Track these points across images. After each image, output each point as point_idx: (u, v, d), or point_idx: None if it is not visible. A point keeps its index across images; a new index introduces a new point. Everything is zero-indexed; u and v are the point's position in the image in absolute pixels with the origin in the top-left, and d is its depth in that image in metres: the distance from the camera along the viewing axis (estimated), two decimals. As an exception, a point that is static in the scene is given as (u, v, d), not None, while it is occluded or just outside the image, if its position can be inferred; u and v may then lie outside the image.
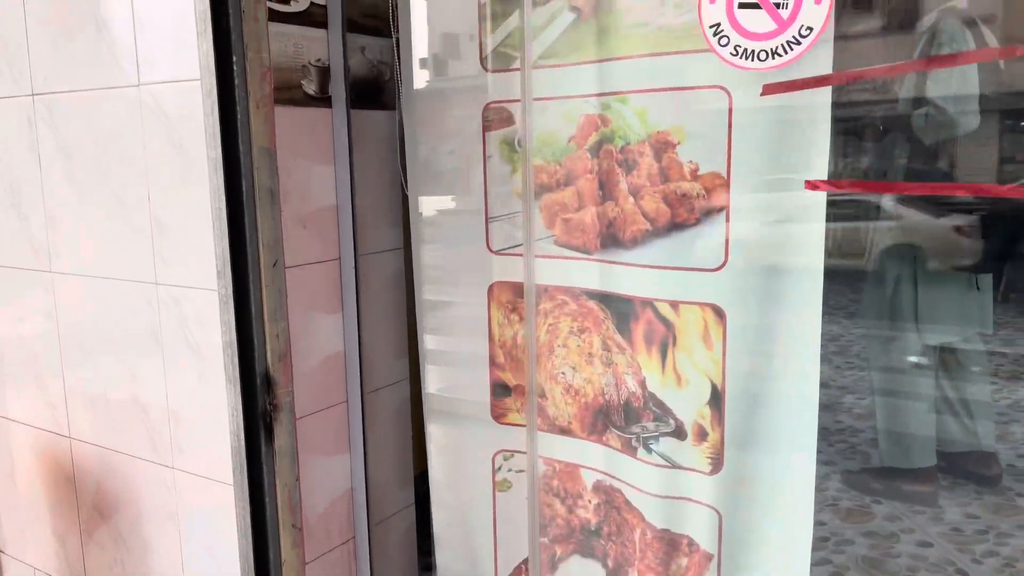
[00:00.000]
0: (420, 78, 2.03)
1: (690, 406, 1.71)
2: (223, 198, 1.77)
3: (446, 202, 2.06)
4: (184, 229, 1.94)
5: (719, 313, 1.64)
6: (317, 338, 2.04)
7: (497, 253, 1.99)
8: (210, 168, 1.78)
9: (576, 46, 1.78)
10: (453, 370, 2.14)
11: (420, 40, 2.02)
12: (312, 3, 1.92)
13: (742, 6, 1.42)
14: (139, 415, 2.19)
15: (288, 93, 1.89)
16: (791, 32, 1.38)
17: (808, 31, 1.37)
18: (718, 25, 1.46)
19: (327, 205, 2.02)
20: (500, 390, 2.07)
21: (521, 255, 1.95)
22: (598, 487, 1.94)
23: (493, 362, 2.06)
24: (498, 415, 2.08)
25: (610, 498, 1.92)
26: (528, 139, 1.84)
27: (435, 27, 1.99)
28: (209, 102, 1.75)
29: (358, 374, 2.09)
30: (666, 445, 1.76)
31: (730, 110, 1.57)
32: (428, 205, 2.08)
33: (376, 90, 2.12)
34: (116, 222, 2.10)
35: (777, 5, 1.39)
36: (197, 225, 1.90)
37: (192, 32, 1.78)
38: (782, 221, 1.56)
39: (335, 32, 1.95)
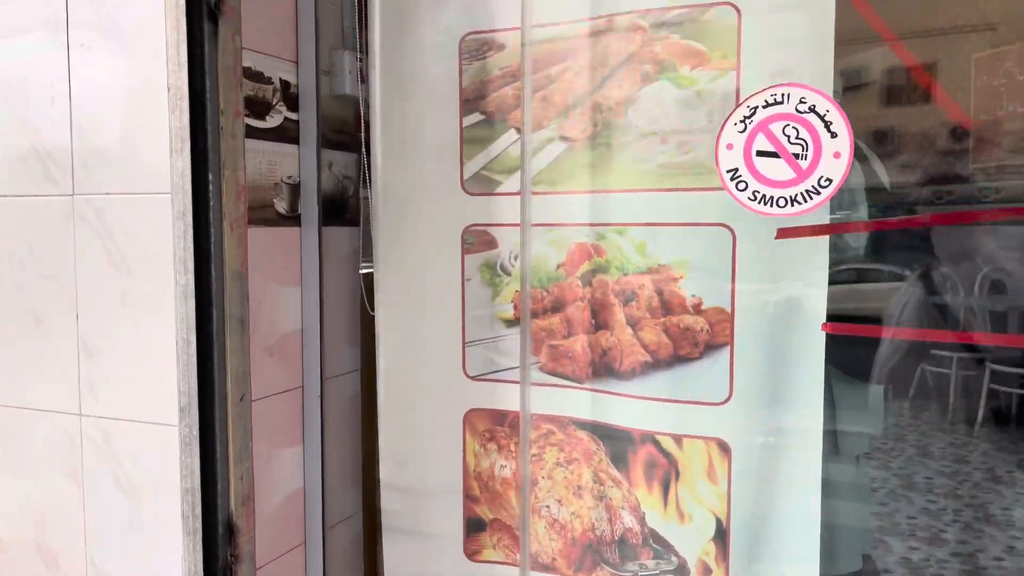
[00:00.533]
0: (394, 197, 1.95)
1: (694, 542, 1.68)
2: (193, 328, 1.60)
3: (419, 324, 1.96)
4: (121, 357, 1.73)
5: (724, 448, 1.64)
6: (278, 475, 1.86)
7: (474, 379, 1.91)
8: (177, 295, 1.61)
9: (567, 175, 1.77)
10: (421, 502, 2.00)
11: (394, 157, 1.95)
12: (286, 118, 1.81)
13: (760, 154, 1.47)
14: (46, 567, 1.89)
15: (261, 212, 1.75)
16: (810, 182, 1.44)
17: (828, 183, 1.43)
18: (736, 170, 1.50)
19: (293, 330, 1.87)
20: (474, 524, 1.95)
21: (501, 381, 1.88)
22: (585, 626, 1.85)
23: (467, 495, 1.95)
24: (472, 552, 1.96)
25: (599, 638, 1.83)
26: (525, 264, 1.79)
27: (411, 145, 1.93)
28: (181, 224, 1.59)
29: (319, 512, 1.92)
30: (668, 583, 1.71)
31: (733, 247, 1.60)
32: (398, 327, 1.98)
33: (340, 206, 2.02)
34: (30, 345, 1.85)
35: (796, 156, 1.44)
36: (139, 354, 1.70)
37: (155, 142, 1.63)
38: (785, 354, 1.59)
39: (309, 147, 1.85)
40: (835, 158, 1.42)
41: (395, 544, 2.03)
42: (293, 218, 1.85)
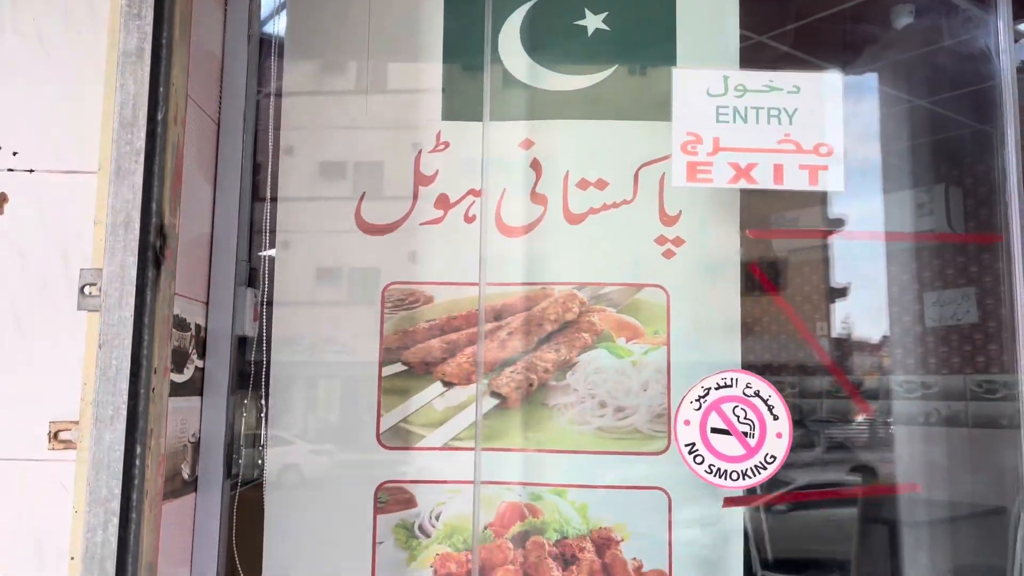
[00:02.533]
0: (292, 450, 1.76)
1: None
2: (104, 651, 1.24)
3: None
4: None
5: None
6: None
7: (384, 660, 1.72)
8: (85, 606, 1.25)
9: (498, 432, 1.76)
10: None
11: (294, 405, 1.77)
12: (196, 368, 1.58)
13: (714, 431, 1.62)
14: None
15: (170, 484, 1.47)
16: (758, 459, 1.61)
17: (772, 459, 1.62)
18: (693, 445, 1.62)
19: (180, 622, 1.54)
20: None
21: (417, 660, 1.72)
22: None
23: None
24: None
25: None
26: (476, 526, 1.70)
27: (316, 393, 1.78)
28: (102, 512, 1.27)
29: None
30: None
31: (669, 510, 1.71)
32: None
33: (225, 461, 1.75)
34: None
35: (745, 434, 1.61)
36: None
37: (64, 406, 1.33)
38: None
39: (216, 399, 1.61)
40: (777, 438, 1.62)
41: None
42: (191, 483, 1.57)
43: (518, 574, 1.72)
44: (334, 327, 1.81)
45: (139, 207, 1.33)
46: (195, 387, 1.58)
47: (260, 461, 1.75)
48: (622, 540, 1.71)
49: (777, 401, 1.62)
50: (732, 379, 1.63)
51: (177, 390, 1.49)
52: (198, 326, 1.58)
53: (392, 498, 1.76)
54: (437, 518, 1.76)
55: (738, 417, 1.62)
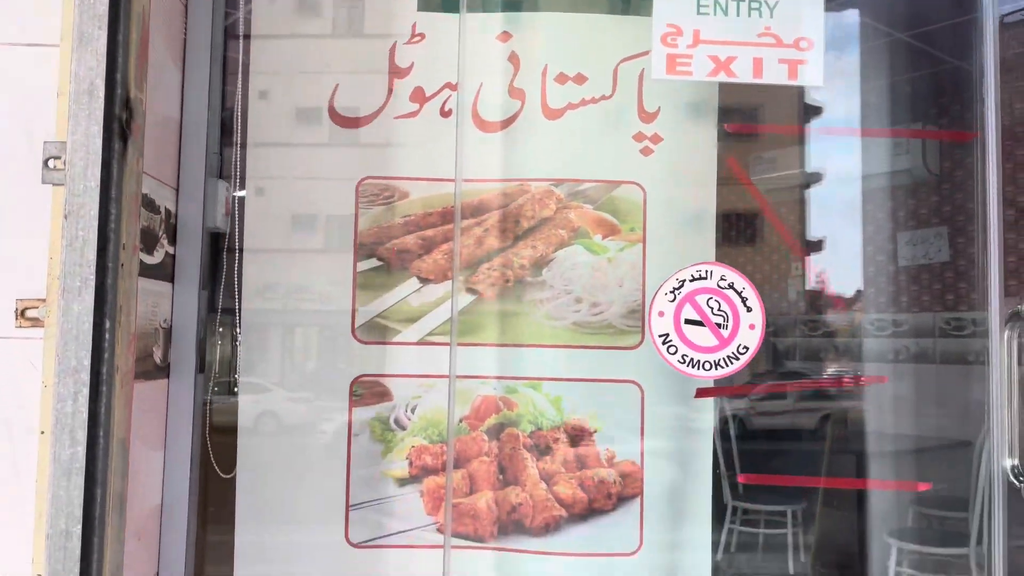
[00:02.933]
0: (266, 342, 1.75)
1: None
2: (78, 516, 1.24)
3: (290, 487, 1.74)
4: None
5: (638, 598, 1.70)
6: None
7: (359, 546, 1.74)
8: (57, 473, 1.25)
9: (474, 327, 1.76)
10: None
11: (269, 299, 1.76)
12: (167, 253, 1.55)
13: (688, 322, 1.63)
14: None
15: (142, 364, 1.45)
16: (730, 349, 1.63)
17: (744, 350, 1.63)
18: (667, 335, 1.63)
19: (153, 506, 1.54)
20: None
21: (391, 547, 1.74)
22: None
23: None
24: None
25: None
26: (451, 421, 1.71)
27: (290, 287, 1.76)
28: (72, 383, 1.26)
29: None
30: None
31: (642, 403, 1.73)
32: (264, 491, 1.73)
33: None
34: None
35: (719, 325, 1.63)
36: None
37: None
38: (685, 509, 1.74)
39: (187, 286, 1.59)
40: (751, 329, 1.63)
41: None
42: (163, 368, 1.56)
43: (493, 465, 1.74)
44: (305, 220, 1.79)
45: (103, 76, 1.28)
46: (166, 272, 1.55)
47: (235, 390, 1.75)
48: (595, 432, 1.73)
49: (751, 293, 1.63)
50: (707, 271, 1.64)
51: (147, 271, 1.47)
52: (168, 211, 1.56)
53: (367, 391, 1.76)
54: (413, 411, 1.76)
55: (712, 308, 1.63)
